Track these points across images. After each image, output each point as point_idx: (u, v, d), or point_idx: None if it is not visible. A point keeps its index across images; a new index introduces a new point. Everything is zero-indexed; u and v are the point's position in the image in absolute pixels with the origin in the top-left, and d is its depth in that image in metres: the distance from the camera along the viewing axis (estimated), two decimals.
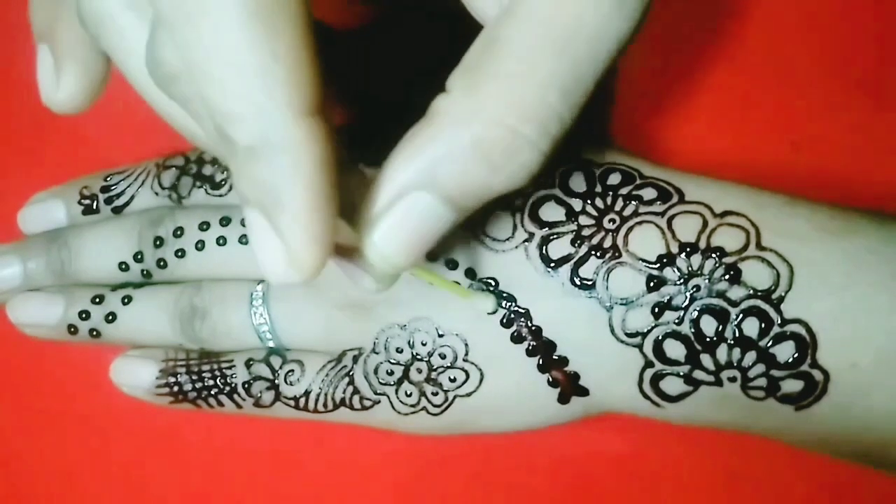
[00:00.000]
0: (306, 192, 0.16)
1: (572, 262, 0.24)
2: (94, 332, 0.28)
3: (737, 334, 0.23)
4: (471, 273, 0.25)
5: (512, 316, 0.25)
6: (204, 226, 0.27)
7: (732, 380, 0.23)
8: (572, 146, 0.26)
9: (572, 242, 0.24)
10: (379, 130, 0.22)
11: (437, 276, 0.24)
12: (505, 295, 0.25)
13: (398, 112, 0.20)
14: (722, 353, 0.23)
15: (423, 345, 0.25)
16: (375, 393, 0.26)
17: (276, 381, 0.27)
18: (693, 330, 0.23)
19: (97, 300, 0.28)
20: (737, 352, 0.23)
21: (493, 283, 0.25)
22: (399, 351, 0.26)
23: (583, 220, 0.24)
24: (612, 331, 0.24)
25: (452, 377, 0.25)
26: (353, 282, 0.20)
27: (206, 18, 0.15)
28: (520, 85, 0.17)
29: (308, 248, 0.17)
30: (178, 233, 0.27)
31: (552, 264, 0.24)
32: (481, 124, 0.17)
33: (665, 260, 0.23)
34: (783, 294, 0.22)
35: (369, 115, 0.28)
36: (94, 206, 0.29)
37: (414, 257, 0.19)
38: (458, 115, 0.18)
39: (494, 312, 0.25)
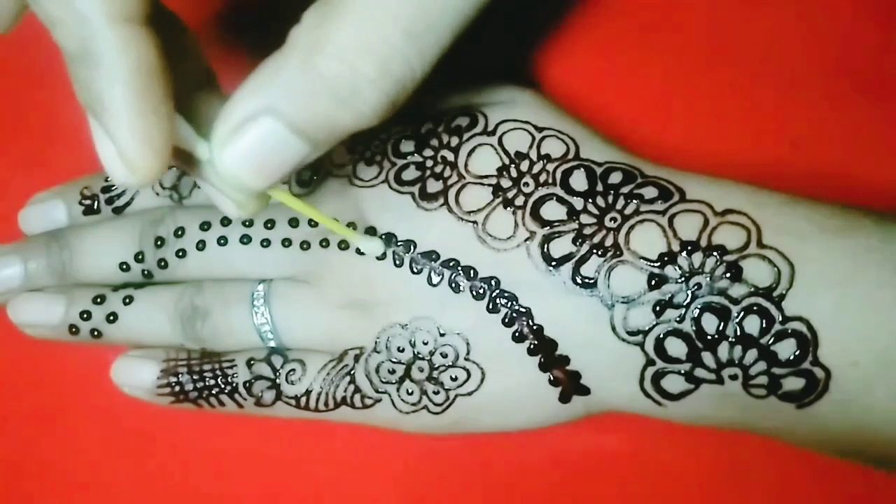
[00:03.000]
0: (126, 97, 0.17)
1: (574, 260, 0.24)
2: (96, 333, 0.28)
3: (738, 332, 0.23)
4: (471, 272, 0.25)
5: (513, 315, 0.25)
6: (205, 226, 0.27)
7: (734, 378, 0.23)
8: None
9: (574, 241, 0.24)
10: None
11: (313, 208, 0.23)
12: (507, 294, 0.25)
13: None
14: (723, 350, 0.23)
15: (425, 344, 0.25)
16: (377, 392, 0.26)
17: (278, 381, 0.27)
18: (694, 328, 0.23)
19: (98, 300, 0.28)
20: (738, 349, 0.23)
21: (495, 283, 0.25)
22: (400, 350, 0.26)
23: (584, 218, 0.24)
24: (614, 329, 0.24)
25: (454, 376, 0.25)
26: (217, 205, 0.21)
27: None
28: (363, 22, 0.18)
29: (137, 151, 0.18)
30: (179, 233, 0.27)
31: (553, 263, 0.24)
32: (323, 58, 0.18)
33: (666, 258, 0.23)
34: (784, 292, 0.22)
35: None
36: (95, 206, 0.29)
37: (264, 181, 0.20)
38: (305, 46, 0.18)
39: (383, 258, 0.25)
